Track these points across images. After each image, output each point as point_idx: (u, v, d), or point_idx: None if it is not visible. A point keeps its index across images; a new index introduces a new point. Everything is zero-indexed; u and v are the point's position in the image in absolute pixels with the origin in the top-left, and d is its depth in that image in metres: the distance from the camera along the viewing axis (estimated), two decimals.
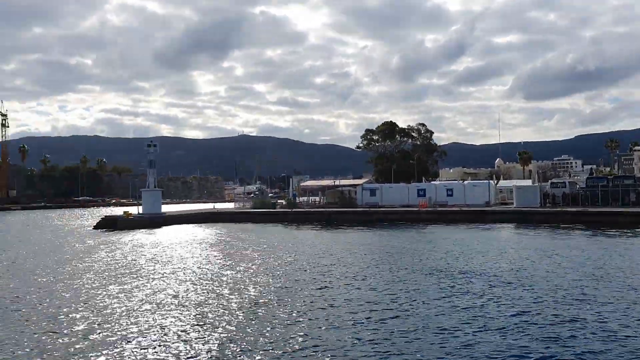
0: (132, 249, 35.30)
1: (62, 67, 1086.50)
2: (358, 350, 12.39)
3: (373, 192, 68.92)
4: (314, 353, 12.18)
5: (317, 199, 79.08)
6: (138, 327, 14.65)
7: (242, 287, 20.39)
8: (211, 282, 21.54)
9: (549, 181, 65.91)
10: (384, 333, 13.67)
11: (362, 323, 14.64)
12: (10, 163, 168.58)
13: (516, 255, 27.70)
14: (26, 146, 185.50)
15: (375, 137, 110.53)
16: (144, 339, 13.50)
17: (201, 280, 22.06)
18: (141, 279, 22.74)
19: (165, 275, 23.69)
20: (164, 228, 54.23)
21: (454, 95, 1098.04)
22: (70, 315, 16.11)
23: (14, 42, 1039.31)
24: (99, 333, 14.07)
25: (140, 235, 45.87)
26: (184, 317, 15.75)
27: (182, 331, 14.17)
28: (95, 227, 56.26)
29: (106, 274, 24.38)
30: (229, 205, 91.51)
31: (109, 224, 55.72)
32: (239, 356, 12.09)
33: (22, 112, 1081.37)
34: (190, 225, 57.13)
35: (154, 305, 17.30)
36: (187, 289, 20.12)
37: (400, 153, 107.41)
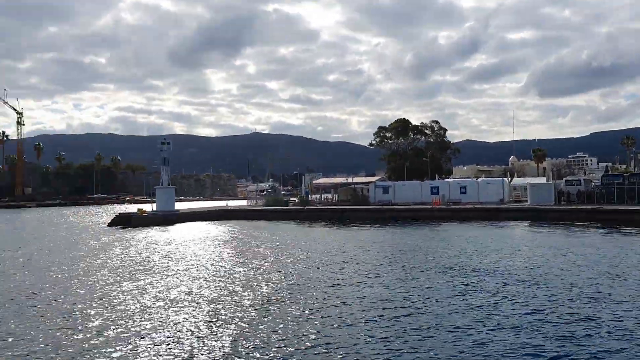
0: (146, 246, 35.52)
1: (77, 66, 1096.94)
2: (371, 348, 12.36)
3: (386, 189, 68.76)
4: (326, 351, 12.17)
5: (330, 196, 79.12)
6: (152, 323, 14.74)
7: (255, 284, 20.44)
8: (224, 279, 21.61)
9: (564, 179, 65.39)
10: (396, 331, 13.63)
11: (375, 321, 14.60)
12: (26, 161, 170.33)
13: (530, 253, 27.50)
14: (41, 144, 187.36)
15: (388, 135, 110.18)
16: (158, 335, 13.58)
17: (214, 278, 22.14)
18: (155, 275, 22.87)
19: (178, 272, 23.81)
20: (178, 225, 54.53)
21: (467, 92, 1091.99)
22: (84, 311, 16.25)
23: (29, 41, 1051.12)
24: (113, 329, 14.17)
25: (154, 233, 46.15)
26: (197, 313, 15.81)
27: (195, 328, 14.23)
28: (110, 225, 56.69)
29: (120, 270, 24.56)
30: (241, 203, 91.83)
31: (123, 221, 56.14)
32: (252, 353, 12.12)
33: (37, 110, 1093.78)
34: (204, 223, 57.37)
35: (168, 302, 17.39)
36: (201, 286, 20.21)
37: (414, 150, 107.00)
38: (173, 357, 11.94)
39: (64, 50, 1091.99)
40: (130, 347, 12.65)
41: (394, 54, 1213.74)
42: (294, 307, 16.45)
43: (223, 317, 15.36)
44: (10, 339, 13.51)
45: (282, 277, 21.84)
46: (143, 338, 13.33)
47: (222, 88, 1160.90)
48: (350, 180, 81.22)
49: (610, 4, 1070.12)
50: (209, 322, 14.83)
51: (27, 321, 15.27)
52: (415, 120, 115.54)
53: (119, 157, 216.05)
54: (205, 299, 17.94)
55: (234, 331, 13.85)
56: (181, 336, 13.48)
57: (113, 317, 15.54)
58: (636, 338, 12.68)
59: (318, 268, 24.16)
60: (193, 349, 12.43)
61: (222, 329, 14.06)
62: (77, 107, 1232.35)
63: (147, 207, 62.37)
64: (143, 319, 15.20)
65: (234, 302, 17.23)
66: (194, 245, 34.88)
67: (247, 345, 12.69)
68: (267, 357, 11.86)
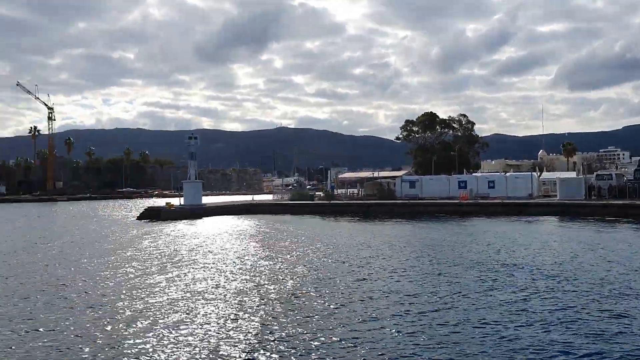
0: (174, 239, 35.91)
1: (106, 61, 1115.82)
2: (397, 342, 12.28)
3: (413, 184, 68.37)
4: (352, 345, 12.13)
5: (356, 191, 78.94)
6: (179, 315, 14.88)
7: (281, 278, 20.50)
8: (250, 273, 21.71)
9: (595, 173, 64.17)
10: (423, 326, 13.52)
11: (401, 316, 14.51)
12: (57, 155, 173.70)
13: (560, 249, 27.05)
14: (72, 139, 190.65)
15: (415, 129, 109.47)
16: (185, 327, 13.69)
17: (240, 271, 22.27)
18: (183, 268, 23.10)
19: (206, 265, 24.01)
20: (205, 219, 55.02)
21: (496, 85, 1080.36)
22: (114, 303, 16.48)
23: (59, 37, 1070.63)
24: (142, 321, 14.34)
25: (182, 226, 46.64)
26: (224, 306, 15.91)
27: (222, 320, 14.32)
28: (139, 218, 57.45)
29: (149, 263, 24.87)
30: (267, 197, 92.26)
31: (152, 215, 56.83)
32: (278, 346, 12.14)
33: (67, 106, 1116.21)
34: (230, 217, 57.79)
35: (195, 295, 17.54)
36: (227, 279, 20.34)
37: (441, 144, 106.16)
38: (200, 349, 12.04)
39: (93, 45, 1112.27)
40: (158, 338, 12.79)
41: (421, 47, 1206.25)
42: (319, 301, 16.44)
43: (249, 310, 15.43)
44: (41, 329, 13.78)
45: (308, 271, 21.86)
46: (171, 330, 13.46)
47: (248, 83, 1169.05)
48: (376, 174, 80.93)
49: None
50: (236, 314, 14.91)
51: (57, 312, 15.56)
52: (442, 114, 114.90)
53: (147, 152, 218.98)
54: (232, 292, 18.05)
55: (260, 324, 13.90)
56: (208, 328, 13.58)
57: (142, 308, 15.73)
58: None
59: (344, 262, 24.12)
60: (220, 341, 12.51)
61: (248, 322, 14.13)
62: (106, 102, 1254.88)
63: (175, 201, 63.05)
64: (171, 311, 15.35)
65: (260, 296, 17.30)
66: (221, 239, 35.15)
67: (273, 338, 12.73)
68: (293, 350, 11.88)
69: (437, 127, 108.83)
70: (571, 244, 28.78)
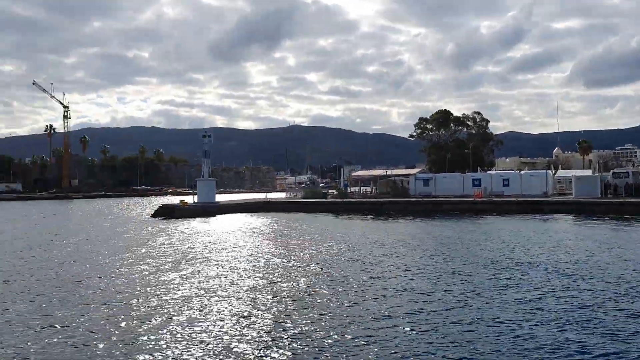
0: (188, 236, 36.09)
1: (120, 60, 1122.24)
2: (410, 340, 12.23)
3: (426, 181, 68.11)
4: (365, 343, 12.10)
5: (369, 189, 78.81)
6: (193, 312, 14.94)
7: (294, 275, 20.51)
8: (263, 270, 21.76)
9: (611, 171, 63.50)
10: (437, 324, 13.45)
11: (415, 314, 14.45)
12: (72, 153, 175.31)
13: (575, 247, 26.80)
14: (87, 137, 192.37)
15: (429, 126, 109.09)
16: (199, 324, 13.74)
17: (254, 268, 22.32)
18: (197, 265, 23.20)
19: (219, 262, 24.10)
20: (218, 217, 55.24)
21: (510, 83, 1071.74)
22: (128, 300, 16.59)
23: (74, 36, 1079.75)
24: (156, 317, 14.42)
25: (196, 224, 46.86)
26: (238, 303, 15.95)
27: (235, 317, 14.35)
28: (153, 216, 57.84)
29: (163, 260, 25.01)
30: (280, 195, 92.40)
31: (166, 213, 57.21)
32: (291, 344, 12.14)
33: (83, 104, 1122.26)
34: (243, 215, 57.96)
35: (209, 292, 17.60)
36: (241, 277, 20.39)
37: (455, 142, 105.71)
38: (214, 345, 12.07)
39: (108, 44, 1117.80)
40: (172, 335, 12.85)
41: (434, 44, 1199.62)
42: (332, 299, 16.43)
43: (262, 307, 15.46)
44: (57, 325, 13.90)
45: (321, 269, 21.86)
46: (184, 326, 13.52)
47: (261, 81, 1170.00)
48: (389, 172, 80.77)
49: None
50: (249, 312, 14.94)
51: (72, 309, 15.68)
52: (456, 112, 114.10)
53: (162, 150, 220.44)
54: (245, 289, 18.09)
55: (273, 322, 13.91)
56: (222, 325, 13.62)
57: (156, 305, 15.82)
58: None
59: (357, 260, 24.08)
60: (233, 338, 12.54)
61: (261, 319, 14.15)
62: (121, 101, 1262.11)
63: (189, 199, 63.37)
64: (185, 308, 15.42)
65: (273, 293, 17.32)
66: (234, 237, 35.26)
67: (286, 336, 12.73)
68: (306, 348, 11.87)
69: (451, 124, 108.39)
70: (587, 243, 28.50)
